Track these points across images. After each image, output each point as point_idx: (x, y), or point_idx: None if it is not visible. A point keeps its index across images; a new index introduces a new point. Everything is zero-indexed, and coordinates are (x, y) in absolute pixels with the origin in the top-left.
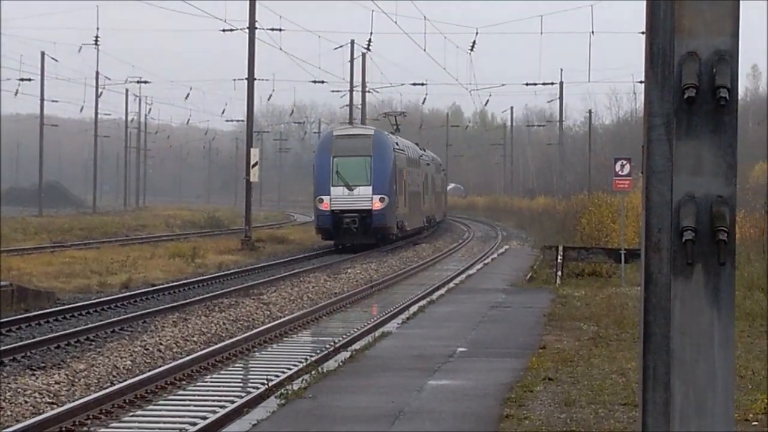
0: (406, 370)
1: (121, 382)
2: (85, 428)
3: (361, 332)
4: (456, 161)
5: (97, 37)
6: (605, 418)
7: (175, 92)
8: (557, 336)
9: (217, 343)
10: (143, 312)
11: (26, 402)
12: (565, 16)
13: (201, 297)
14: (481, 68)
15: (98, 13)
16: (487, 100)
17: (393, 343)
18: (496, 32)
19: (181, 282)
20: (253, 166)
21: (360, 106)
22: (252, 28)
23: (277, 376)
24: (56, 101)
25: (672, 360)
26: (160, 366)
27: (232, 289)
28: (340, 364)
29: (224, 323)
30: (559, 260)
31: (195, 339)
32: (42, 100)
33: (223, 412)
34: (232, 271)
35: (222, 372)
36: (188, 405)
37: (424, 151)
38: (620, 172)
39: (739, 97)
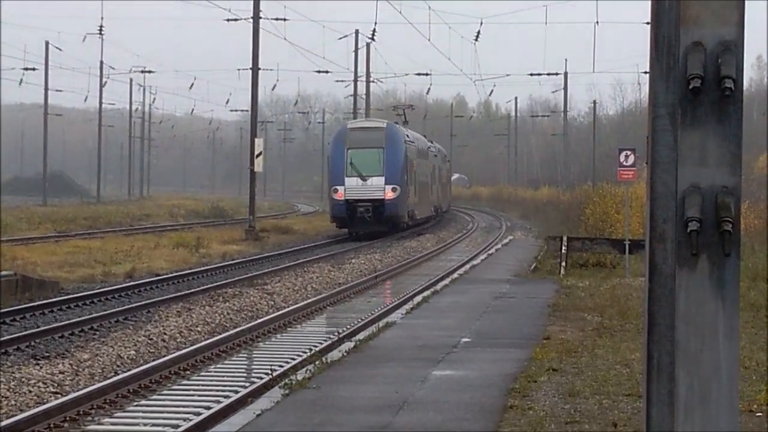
0: (410, 360)
1: (125, 372)
2: (90, 418)
3: (365, 322)
4: (460, 151)
5: (101, 26)
6: (609, 409)
7: (179, 82)
8: (561, 327)
9: (221, 333)
10: (147, 302)
11: (30, 391)
12: (570, 7)
13: (205, 287)
14: (485, 58)
15: (102, 3)
16: (492, 91)
17: (397, 334)
18: (500, 22)
19: (185, 272)
20: (257, 156)
21: (364, 96)
22: (256, 17)
23: (281, 366)
24: (60, 91)
25: (676, 351)
26: (164, 356)
27: (236, 279)
28: (344, 354)
29: (228, 313)
30: (563, 251)
31: (199, 329)
32: (46, 89)
33: (227, 401)
34: (236, 261)
35: (226, 362)
36: (192, 395)
37: (432, 142)
38: (624, 163)
39: (744, 88)
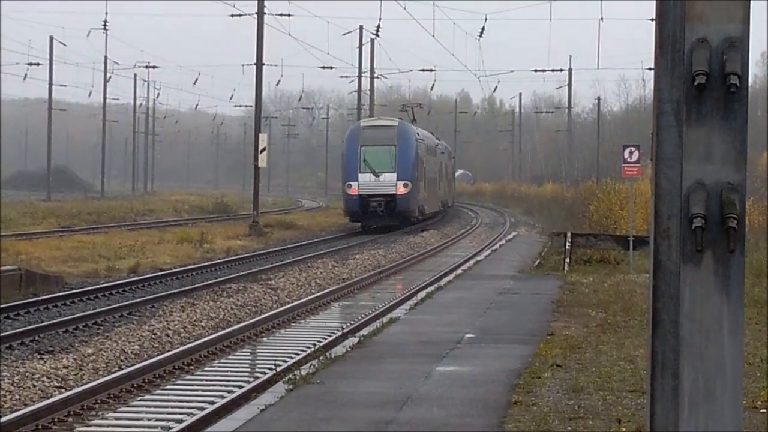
0: (414, 356)
1: (129, 367)
2: (94, 413)
3: (369, 318)
4: (464, 148)
5: (105, 21)
6: (613, 405)
7: (183, 77)
8: (565, 322)
9: (225, 328)
10: (151, 297)
11: (34, 386)
12: (575, 3)
13: (209, 282)
14: (489, 54)
15: None
16: (496, 87)
17: (401, 329)
18: (505, 18)
19: (189, 267)
20: (262, 151)
21: (369, 92)
22: (261, 13)
23: (285, 361)
24: (65, 86)
25: (681, 347)
26: (168, 351)
27: (240, 274)
28: (348, 349)
29: (232, 308)
30: (567, 247)
31: (203, 324)
32: (50, 84)
33: (231, 396)
34: (240, 256)
35: (230, 357)
36: (196, 390)
37: (439, 140)
38: (629, 159)
39: (749, 85)
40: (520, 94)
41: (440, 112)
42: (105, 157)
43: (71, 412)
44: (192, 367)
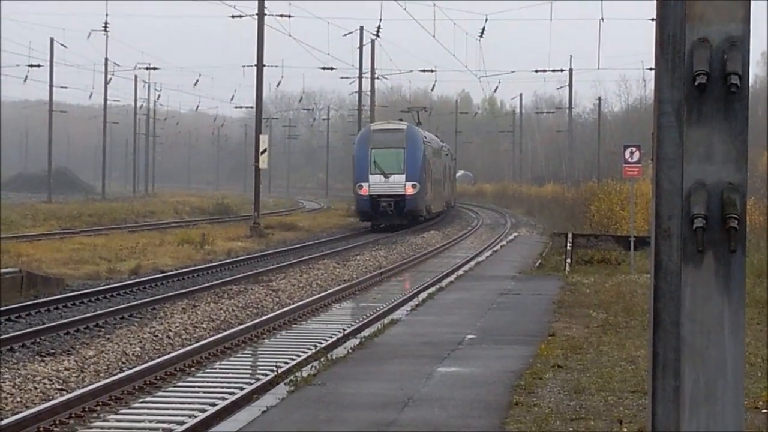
0: (415, 357)
1: (130, 369)
2: (95, 415)
3: (370, 319)
4: (465, 148)
5: (106, 23)
6: (615, 406)
7: (184, 79)
8: (566, 323)
9: (226, 330)
10: (152, 298)
11: (36, 388)
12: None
13: (210, 284)
14: (490, 55)
15: (107, 0)
16: (497, 87)
17: (402, 330)
18: (505, 19)
19: (190, 269)
20: (262, 152)
21: (369, 93)
22: (261, 14)
23: (287, 362)
24: (65, 87)
25: (682, 347)
26: (170, 352)
27: (241, 275)
28: (350, 351)
29: (233, 310)
30: (568, 247)
31: (204, 325)
32: (51, 86)
33: (232, 398)
34: (241, 257)
35: (231, 359)
36: (198, 391)
37: (443, 143)
38: (630, 159)
39: (749, 85)
40: (521, 95)
41: (441, 113)
42: (106, 158)
43: (72, 415)
44: (193, 369)
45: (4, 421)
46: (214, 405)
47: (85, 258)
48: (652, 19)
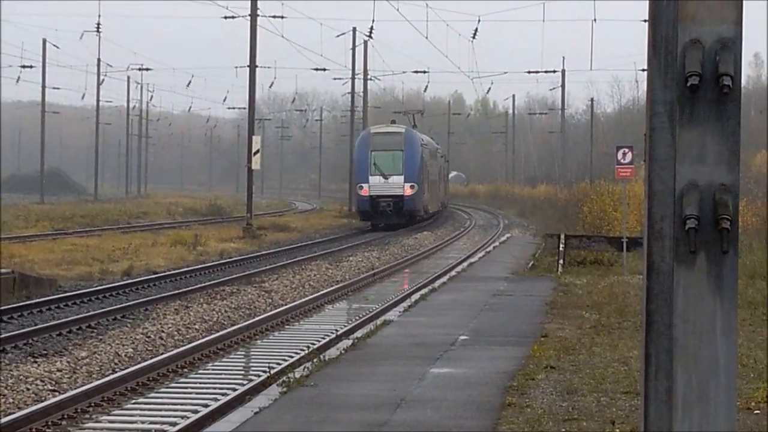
0: (407, 358)
1: (122, 370)
2: (87, 416)
3: (363, 320)
4: (458, 149)
5: (98, 24)
6: (607, 407)
7: (176, 80)
8: (559, 324)
9: (218, 331)
10: (145, 299)
11: (28, 389)
12: (568, 4)
13: (203, 285)
14: (483, 56)
15: (100, 1)
16: (489, 88)
17: (395, 331)
18: (498, 20)
19: (182, 270)
20: (255, 153)
21: (362, 94)
22: (254, 15)
23: (279, 363)
24: (58, 88)
25: (674, 348)
26: (162, 353)
27: (233, 276)
28: (342, 352)
29: (226, 311)
30: (561, 248)
31: (197, 326)
32: (43, 87)
33: (225, 399)
34: (233, 258)
35: (224, 359)
36: (190, 392)
37: (439, 145)
38: (622, 160)
39: (742, 86)
40: (514, 96)
41: (433, 114)
42: (98, 159)
43: (65, 416)
44: (186, 370)
45: None
46: (206, 406)
47: (78, 259)
48: (645, 21)
